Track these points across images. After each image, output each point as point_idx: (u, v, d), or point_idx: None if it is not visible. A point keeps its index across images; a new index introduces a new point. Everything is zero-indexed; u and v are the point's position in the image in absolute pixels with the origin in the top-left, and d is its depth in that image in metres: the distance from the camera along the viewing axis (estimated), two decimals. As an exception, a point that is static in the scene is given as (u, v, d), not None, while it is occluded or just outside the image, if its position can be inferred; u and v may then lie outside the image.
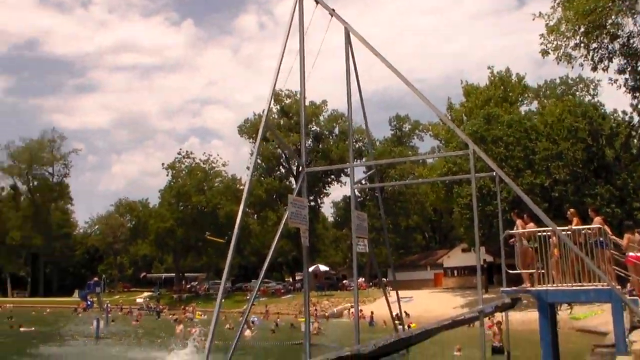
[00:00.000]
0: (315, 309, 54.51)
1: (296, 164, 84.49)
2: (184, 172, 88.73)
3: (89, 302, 74.72)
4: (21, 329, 41.10)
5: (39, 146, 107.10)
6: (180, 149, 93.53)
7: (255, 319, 46.61)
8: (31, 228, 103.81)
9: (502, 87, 67.30)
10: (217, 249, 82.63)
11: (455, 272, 72.71)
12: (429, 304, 53.60)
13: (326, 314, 58.14)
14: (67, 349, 31.12)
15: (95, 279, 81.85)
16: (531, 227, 16.44)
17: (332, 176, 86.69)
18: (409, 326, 27.37)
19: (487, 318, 23.68)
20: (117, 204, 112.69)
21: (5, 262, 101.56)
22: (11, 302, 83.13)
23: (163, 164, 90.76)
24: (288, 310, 64.79)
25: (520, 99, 69.82)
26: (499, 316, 24.11)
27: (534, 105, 71.54)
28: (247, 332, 36.58)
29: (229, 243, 16.70)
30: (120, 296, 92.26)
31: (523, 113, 63.11)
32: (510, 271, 16.52)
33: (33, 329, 41.97)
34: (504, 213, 20.57)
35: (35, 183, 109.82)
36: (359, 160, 71.04)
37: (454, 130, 21.74)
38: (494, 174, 18.13)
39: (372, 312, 47.13)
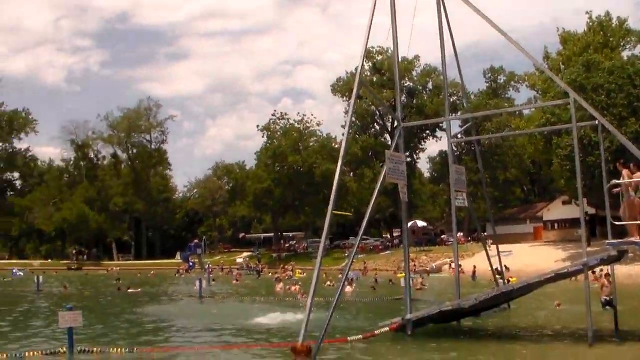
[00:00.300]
0: (414, 265, 54.45)
1: (391, 120, 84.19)
2: (279, 133, 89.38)
3: (191, 264, 76.94)
4: (129, 291, 42.56)
5: (136, 115, 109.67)
6: (275, 111, 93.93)
7: (354, 275, 46.97)
8: (133, 194, 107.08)
9: (601, 33, 64.70)
10: (315, 208, 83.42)
11: (556, 225, 71.25)
12: (529, 258, 52.85)
13: (427, 268, 58.07)
14: (173, 308, 32.09)
15: (196, 241, 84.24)
16: (638, 177, 15.90)
17: (427, 131, 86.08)
18: (508, 281, 27.12)
19: (591, 272, 23.18)
20: (214, 167, 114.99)
21: (110, 227, 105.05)
22: (117, 266, 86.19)
23: (258, 126, 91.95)
24: (387, 267, 65.08)
25: (622, 44, 66.90)
26: (607, 270, 23.54)
27: (638, 50, 68.32)
28: (348, 289, 36.94)
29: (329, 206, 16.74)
30: (220, 257, 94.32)
31: (626, 59, 60.35)
32: (616, 223, 16.07)
33: (140, 290, 43.41)
34: (607, 163, 19.90)
35: (135, 151, 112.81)
36: (454, 114, 70.04)
37: (552, 79, 21.17)
38: (597, 122, 17.59)
39: (474, 267, 46.75)
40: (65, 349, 16.77)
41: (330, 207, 15.97)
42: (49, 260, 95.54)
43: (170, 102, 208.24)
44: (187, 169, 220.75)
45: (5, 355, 16.50)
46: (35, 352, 16.79)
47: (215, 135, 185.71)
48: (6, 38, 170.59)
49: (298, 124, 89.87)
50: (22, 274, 61.08)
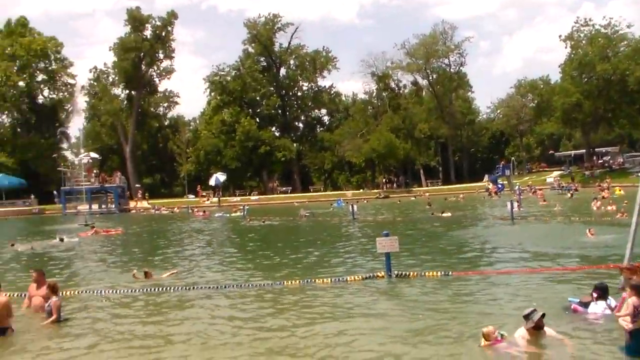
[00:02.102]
0: None
1: None
2: (583, 41, 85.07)
3: (499, 186, 76.60)
4: (442, 214, 43.65)
5: (432, 40, 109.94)
6: (577, 17, 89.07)
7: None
8: (436, 119, 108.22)
9: None
10: (630, 119, 78.71)
11: None
12: None
13: None
14: (485, 231, 32.27)
15: (503, 162, 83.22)
16: None
17: None
18: None
19: None
20: (516, 85, 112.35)
21: (417, 154, 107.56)
22: (426, 192, 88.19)
23: (560, 36, 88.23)
24: None
25: None
26: None
27: None
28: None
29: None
30: (529, 177, 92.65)
31: None
32: None
33: (449, 214, 44.09)
34: None
35: (434, 76, 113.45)
36: None
37: None
38: None
39: None
40: (383, 273, 17.67)
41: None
42: (360, 190, 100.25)
43: (463, 23, 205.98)
44: (487, 89, 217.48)
45: (329, 280, 18.06)
46: (356, 277, 17.85)
47: (513, 52, 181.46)
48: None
49: (604, 28, 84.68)
50: (344, 204, 65.03)
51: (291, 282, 17.78)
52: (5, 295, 13.95)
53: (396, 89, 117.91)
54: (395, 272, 17.98)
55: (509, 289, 15.54)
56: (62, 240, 35.50)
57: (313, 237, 34.74)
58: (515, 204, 40.88)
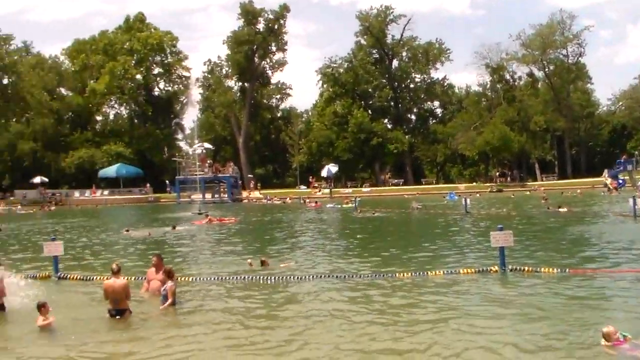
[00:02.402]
0: None
1: None
2: None
3: (620, 181, 74.06)
4: (559, 209, 42.70)
5: (549, 30, 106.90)
6: None
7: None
8: (553, 112, 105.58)
9: None
10: None
11: None
12: None
13: None
14: (605, 227, 31.33)
15: (625, 156, 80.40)
16: None
17: None
18: None
19: None
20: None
21: (532, 147, 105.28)
22: (541, 186, 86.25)
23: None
24: None
25: None
26: None
27: None
28: None
29: None
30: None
31: None
32: None
33: (566, 209, 42.99)
34: None
35: (551, 67, 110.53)
36: None
37: None
38: None
39: None
40: (496, 268, 17.61)
41: None
42: (474, 183, 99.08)
43: (582, 11, 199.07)
44: (608, 80, 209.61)
45: (441, 272, 18.07)
46: (469, 270, 17.78)
47: (637, 40, 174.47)
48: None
49: None
50: (457, 197, 64.41)
51: (403, 274, 17.77)
52: (124, 278, 14.52)
53: (511, 80, 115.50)
54: (510, 266, 17.76)
55: (632, 290, 14.97)
56: (174, 227, 36.85)
57: (425, 230, 34.61)
58: (638, 201, 39.42)
